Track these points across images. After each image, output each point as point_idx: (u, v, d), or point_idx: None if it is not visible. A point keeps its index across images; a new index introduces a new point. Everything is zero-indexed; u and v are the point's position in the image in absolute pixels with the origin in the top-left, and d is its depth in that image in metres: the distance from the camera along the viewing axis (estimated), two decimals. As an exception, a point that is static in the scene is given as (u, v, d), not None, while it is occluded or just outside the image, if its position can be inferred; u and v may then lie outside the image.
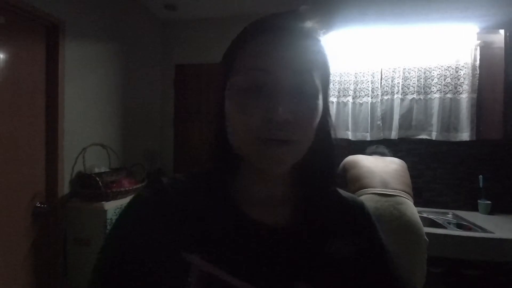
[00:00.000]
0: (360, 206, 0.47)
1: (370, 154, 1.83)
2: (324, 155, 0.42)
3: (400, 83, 2.02)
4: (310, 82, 0.36)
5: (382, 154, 1.81)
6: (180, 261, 0.34)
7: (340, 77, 2.17)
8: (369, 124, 2.10)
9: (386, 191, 1.41)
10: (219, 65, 0.42)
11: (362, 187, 1.49)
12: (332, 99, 2.17)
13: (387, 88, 2.07)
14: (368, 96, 2.09)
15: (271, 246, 0.37)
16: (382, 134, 2.08)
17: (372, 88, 2.09)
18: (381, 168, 1.56)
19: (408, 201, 1.40)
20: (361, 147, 2.15)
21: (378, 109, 2.08)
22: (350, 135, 2.14)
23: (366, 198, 1.41)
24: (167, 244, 0.35)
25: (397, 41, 2.02)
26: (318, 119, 0.38)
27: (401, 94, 2.03)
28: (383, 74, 2.08)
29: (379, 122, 2.08)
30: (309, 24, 0.39)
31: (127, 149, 2.13)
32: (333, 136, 0.43)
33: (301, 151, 0.37)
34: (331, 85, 0.44)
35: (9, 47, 1.36)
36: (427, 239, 1.31)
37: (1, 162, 1.32)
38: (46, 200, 1.52)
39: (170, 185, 0.40)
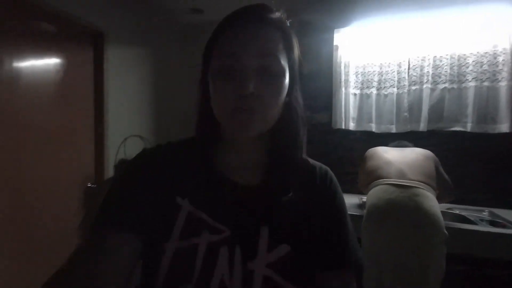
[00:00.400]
0: (324, 173, 0.53)
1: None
2: (291, 127, 0.48)
3: (430, 72, 1.92)
4: (274, 63, 0.42)
5: (404, 147, 1.75)
6: (173, 204, 0.44)
7: (364, 69, 2.12)
8: (394, 116, 2.03)
9: (402, 182, 1.36)
10: (203, 53, 0.48)
11: (377, 178, 1.46)
12: (355, 91, 2.14)
13: (415, 78, 1.97)
14: (394, 87, 2.02)
15: (242, 199, 0.45)
16: (409, 126, 2.00)
17: (399, 79, 2.01)
18: (399, 159, 1.51)
19: (427, 192, 1.34)
20: (386, 140, 2.09)
21: (405, 100, 2.00)
22: (373, 128, 2.09)
23: (382, 189, 1.38)
24: (163, 189, 0.44)
25: (426, 28, 1.91)
26: (283, 95, 0.44)
27: (431, 83, 1.93)
28: (410, 63, 1.98)
29: (406, 114, 2.01)
30: (274, 14, 0.45)
31: (160, 140, 2.35)
32: (299, 111, 0.49)
33: (266, 120, 0.43)
34: (297, 67, 0.47)
35: (62, 53, 1.63)
36: (447, 233, 1.25)
37: (59, 150, 1.61)
38: (95, 181, 1.81)
39: (164, 147, 0.50)
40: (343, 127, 2.12)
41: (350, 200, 1.93)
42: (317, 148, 2.30)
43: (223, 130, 0.48)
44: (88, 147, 1.81)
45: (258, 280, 0.40)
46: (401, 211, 1.29)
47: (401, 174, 1.41)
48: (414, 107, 1.99)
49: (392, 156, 1.55)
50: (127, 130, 2.00)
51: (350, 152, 2.22)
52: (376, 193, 1.40)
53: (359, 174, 1.70)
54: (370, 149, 1.71)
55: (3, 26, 1.32)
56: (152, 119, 2.31)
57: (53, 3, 1.48)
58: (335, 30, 2.12)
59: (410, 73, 1.99)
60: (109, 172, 1.86)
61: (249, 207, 0.45)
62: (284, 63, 0.43)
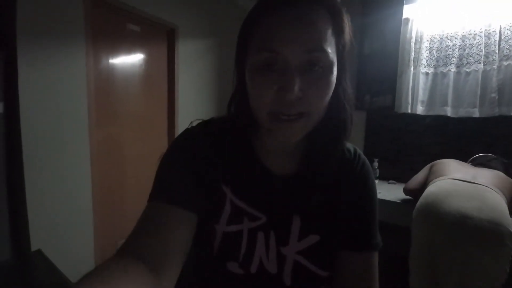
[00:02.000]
0: (357, 158, 0.50)
1: (476, 164, 1.49)
2: (336, 122, 0.43)
3: (531, 43, 1.54)
4: (322, 58, 0.36)
5: (487, 166, 1.44)
6: (219, 190, 0.45)
7: (440, 43, 1.84)
8: (478, 98, 1.72)
9: (471, 180, 1.22)
10: (237, 41, 0.43)
11: (439, 176, 1.32)
12: (427, 69, 1.88)
13: (508, 51, 1.62)
14: (479, 63, 1.70)
15: (278, 188, 0.46)
16: (497, 110, 1.67)
17: (486, 53, 1.68)
18: (471, 169, 1.36)
19: (495, 194, 1.15)
20: (464, 126, 1.82)
21: (494, 79, 1.67)
22: (449, 112, 1.82)
23: (443, 181, 1.25)
24: (210, 174, 0.44)
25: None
26: (331, 92, 0.39)
27: (531, 57, 1.55)
28: (502, 34, 1.63)
29: (494, 95, 1.68)
30: None
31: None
32: (348, 104, 0.43)
33: (312, 122, 0.40)
34: (347, 54, 0.41)
35: (144, 48, 1.94)
36: None
37: (140, 132, 1.96)
38: (168, 159, 2.14)
39: (208, 129, 0.48)
40: (409, 111, 1.91)
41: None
42: (379, 134, 2.15)
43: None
44: (162, 130, 2.14)
45: (290, 264, 0.44)
46: (463, 199, 1.13)
47: (472, 177, 1.25)
48: (506, 87, 1.64)
49: (465, 167, 1.39)
50: (193, 114, 2.26)
51: (417, 139, 2.00)
52: (437, 184, 1.27)
53: (415, 176, 1.54)
54: (440, 160, 1.52)
55: (103, 29, 1.67)
56: (215, 104, 2.54)
57: (137, 6, 1.77)
58: (405, 1, 1.88)
59: (501, 46, 1.63)
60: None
61: (283, 196, 0.45)
62: (333, 54, 0.37)
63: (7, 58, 1.21)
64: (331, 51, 0.37)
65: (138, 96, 1.94)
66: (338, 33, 0.38)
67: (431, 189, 1.26)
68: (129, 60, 1.86)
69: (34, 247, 1.22)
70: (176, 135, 2.09)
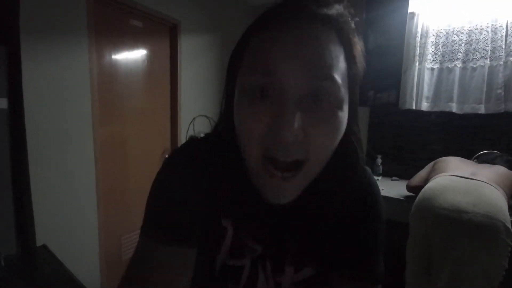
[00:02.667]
0: (365, 182, 0.42)
1: (481, 161, 1.47)
2: (345, 163, 0.36)
3: (539, 38, 1.51)
4: (331, 90, 0.29)
5: (492, 163, 1.40)
6: (219, 224, 0.40)
7: (446, 38, 1.81)
8: (484, 94, 1.70)
9: (470, 176, 1.21)
10: (230, 59, 0.37)
11: (439, 173, 1.32)
12: (432, 65, 1.86)
13: (516, 46, 1.59)
14: (486, 58, 1.68)
15: (276, 219, 0.40)
16: (503, 106, 1.65)
17: (493, 48, 1.66)
18: (473, 166, 1.34)
19: (494, 189, 1.14)
20: (469, 122, 1.80)
21: (500, 75, 1.65)
22: (454, 108, 1.80)
23: (442, 178, 1.26)
24: (208, 206, 0.39)
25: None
26: (339, 137, 0.31)
27: (539, 52, 1.53)
28: (509, 29, 1.60)
29: (500, 91, 1.66)
30: (333, 8, 0.31)
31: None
32: (359, 151, 0.36)
33: (311, 176, 0.33)
34: (359, 82, 0.34)
35: (147, 44, 1.94)
36: (511, 228, 1.03)
37: (143, 128, 1.96)
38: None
39: (202, 152, 0.41)
40: (414, 107, 1.89)
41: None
42: (382, 130, 2.13)
43: None
44: (165, 124, 2.14)
45: None
46: (458, 193, 1.12)
47: (471, 174, 1.24)
48: (512, 83, 1.62)
49: (466, 164, 1.37)
50: (196, 110, 2.26)
51: (420, 136, 1.98)
52: (435, 179, 1.28)
53: (418, 173, 1.53)
54: (443, 157, 1.50)
55: (105, 25, 1.66)
56: (218, 100, 2.53)
57: (140, 1, 1.76)
58: (411, -5, 1.85)
59: (508, 41, 1.61)
60: (182, 146, 2.18)
61: (280, 227, 0.40)
62: (344, 86, 0.30)
63: (11, 53, 1.21)
64: (341, 82, 0.30)
65: (141, 92, 1.94)
66: (350, 59, 0.31)
67: (429, 185, 1.27)
68: (132, 56, 1.85)
69: (39, 242, 1.23)
70: (178, 127, 2.13)
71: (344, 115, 0.31)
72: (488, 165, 1.38)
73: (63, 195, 1.49)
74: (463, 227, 1.05)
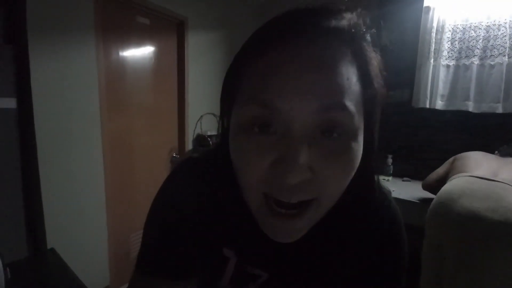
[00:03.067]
0: (390, 219, 0.37)
1: (504, 155, 1.39)
2: (359, 198, 0.33)
3: None
4: (342, 120, 0.25)
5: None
6: (220, 255, 0.37)
7: (463, 34, 1.73)
8: (502, 92, 1.63)
9: (489, 177, 1.13)
10: (223, 85, 0.32)
11: (462, 171, 1.24)
12: (448, 62, 1.79)
13: (539, 41, 1.51)
14: (504, 56, 1.60)
15: (281, 250, 0.35)
16: (523, 105, 1.59)
17: (511, 45, 1.58)
18: (496, 162, 1.24)
19: None
20: (485, 122, 1.73)
21: (520, 72, 1.57)
22: (471, 107, 1.74)
23: (460, 179, 1.18)
24: (208, 237, 0.37)
25: None
26: (353, 172, 0.27)
27: None
28: (532, 23, 1.52)
29: (519, 89, 1.59)
30: (344, 20, 0.27)
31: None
32: (376, 181, 0.33)
33: (325, 209, 0.29)
34: (379, 107, 0.30)
35: (154, 41, 1.91)
36: None
37: (151, 126, 1.95)
38: (179, 152, 2.13)
39: (199, 180, 0.37)
40: (428, 106, 1.83)
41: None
42: (394, 129, 2.08)
43: None
44: (173, 122, 2.13)
45: None
46: (477, 199, 1.05)
47: (493, 174, 1.16)
48: (534, 81, 1.55)
49: (487, 159, 1.28)
50: (204, 107, 2.24)
51: (433, 136, 1.92)
52: (452, 181, 1.20)
53: (436, 171, 1.45)
54: (463, 153, 1.39)
55: (112, 23, 1.64)
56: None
57: (146, -2, 1.73)
58: (427, -11, 1.78)
59: (531, 36, 1.53)
60: (189, 145, 2.16)
61: (288, 254, 0.36)
62: (359, 114, 0.26)
63: (19, 53, 1.20)
64: (355, 109, 0.25)
65: (148, 89, 1.92)
66: (365, 79, 0.27)
67: (446, 187, 1.21)
68: (139, 53, 1.83)
69: (47, 246, 1.24)
70: (186, 129, 2.11)
71: (359, 146, 0.27)
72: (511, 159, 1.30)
73: (71, 196, 1.50)
74: (479, 236, 1.00)
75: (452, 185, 1.19)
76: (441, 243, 1.12)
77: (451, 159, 1.43)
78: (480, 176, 1.16)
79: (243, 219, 0.35)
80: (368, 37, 0.28)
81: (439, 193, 1.21)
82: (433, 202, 1.20)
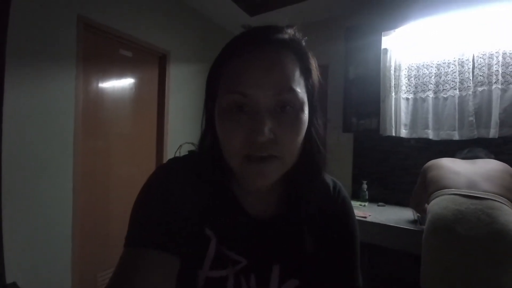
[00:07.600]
0: (336, 194, 0.49)
1: (467, 158, 1.49)
2: (310, 161, 0.42)
3: (500, 71, 1.68)
4: (292, 98, 0.36)
5: (475, 158, 1.45)
6: (203, 234, 0.42)
7: (418, 71, 1.97)
8: (457, 121, 1.82)
9: (473, 193, 1.19)
10: (207, 83, 0.43)
11: (441, 188, 1.29)
12: (408, 95, 1.99)
13: (482, 78, 1.75)
14: (455, 89, 1.82)
15: (257, 232, 0.44)
16: (475, 132, 1.76)
17: (461, 80, 1.81)
18: (468, 169, 1.31)
19: (503, 206, 1.14)
20: (448, 147, 1.89)
21: (470, 103, 1.78)
22: (430, 134, 1.90)
23: (447, 199, 1.22)
24: (192, 216, 0.41)
25: (493, 20, 1.69)
26: (303, 131, 0.38)
27: (501, 84, 1.68)
28: (475, 62, 1.77)
29: (471, 118, 1.78)
30: (286, 33, 0.38)
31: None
32: (320, 142, 0.43)
33: (285, 166, 0.38)
34: (316, 92, 0.42)
35: (135, 73, 1.97)
36: None
37: (129, 154, 1.92)
38: (155, 183, 2.07)
39: (187, 167, 0.44)
40: (393, 134, 1.98)
41: (403, 214, 1.77)
42: (367, 155, 2.19)
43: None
44: (151, 151, 2.10)
45: None
46: (472, 225, 1.12)
47: (472, 185, 1.23)
48: (482, 111, 1.75)
49: (459, 166, 1.35)
50: (183, 137, 2.25)
51: (404, 161, 2.05)
52: (441, 203, 1.24)
53: (415, 189, 1.50)
54: (431, 161, 1.48)
55: (95, 53, 1.69)
56: (205, 128, 2.54)
57: (130, 32, 1.82)
58: (383, 33, 2.03)
59: (475, 73, 1.77)
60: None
61: (263, 240, 0.44)
62: (303, 93, 0.38)
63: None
64: (300, 90, 0.37)
65: (128, 119, 1.92)
66: (306, 73, 0.39)
67: (436, 209, 1.24)
68: (120, 83, 1.87)
69: (9, 279, 1.11)
70: (164, 153, 2.09)
71: (305, 115, 0.38)
72: (479, 160, 1.39)
73: (36, 229, 1.39)
74: (484, 258, 1.06)
75: (442, 208, 1.22)
76: (448, 268, 1.13)
77: (422, 171, 1.48)
78: (462, 193, 1.21)
79: (224, 204, 0.43)
80: (303, 43, 0.40)
81: (431, 218, 1.23)
82: (428, 227, 1.23)
